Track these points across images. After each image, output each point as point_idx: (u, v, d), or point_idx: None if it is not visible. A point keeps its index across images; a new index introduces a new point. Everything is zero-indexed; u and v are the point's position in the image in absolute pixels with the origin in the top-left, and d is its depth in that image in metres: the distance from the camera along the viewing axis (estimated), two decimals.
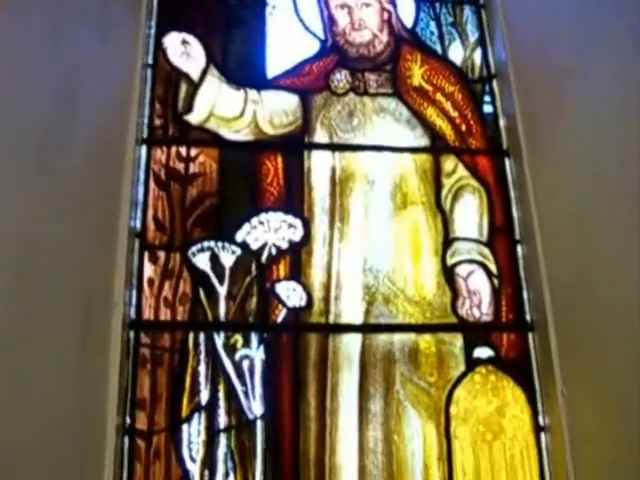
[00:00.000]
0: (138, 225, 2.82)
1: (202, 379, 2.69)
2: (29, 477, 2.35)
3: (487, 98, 3.22)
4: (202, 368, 2.70)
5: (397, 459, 2.67)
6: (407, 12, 3.35)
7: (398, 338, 2.79)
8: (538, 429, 2.73)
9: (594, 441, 2.59)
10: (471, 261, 2.91)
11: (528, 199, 2.93)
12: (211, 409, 2.67)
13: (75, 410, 2.45)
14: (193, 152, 2.95)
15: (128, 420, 2.63)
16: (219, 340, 2.73)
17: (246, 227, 2.84)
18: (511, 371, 2.79)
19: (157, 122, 2.99)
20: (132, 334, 2.70)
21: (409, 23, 3.33)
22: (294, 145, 3.03)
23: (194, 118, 3.00)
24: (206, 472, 2.62)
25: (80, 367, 2.49)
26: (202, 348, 2.72)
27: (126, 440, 2.61)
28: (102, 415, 2.51)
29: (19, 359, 2.46)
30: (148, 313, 2.75)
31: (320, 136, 3.06)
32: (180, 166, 2.92)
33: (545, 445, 2.71)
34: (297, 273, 2.84)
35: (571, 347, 2.70)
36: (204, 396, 2.68)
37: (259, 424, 2.67)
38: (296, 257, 2.86)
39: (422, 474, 2.67)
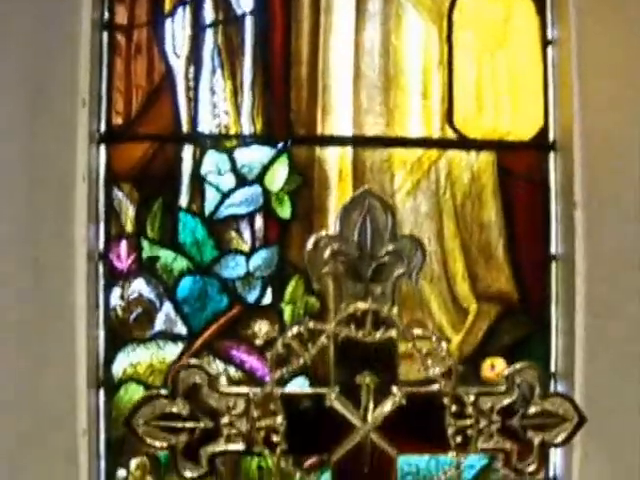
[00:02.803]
0: None
1: None
2: None
3: None
4: None
5: (394, 62, 2.50)
6: None
7: None
8: (545, 42, 2.55)
9: (601, 57, 2.42)
10: None
11: None
12: (196, 3, 2.47)
13: None
14: None
15: (107, 14, 2.44)
16: None
17: None
18: None
19: None
20: None
21: None
22: None
23: None
24: (191, 68, 2.47)
25: None
26: None
27: (105, 35, 2.44)
28: (77, 11, 2.33)
29: None
30: None
31: None
32: None
33: (552, 59, 2.54)
34: None
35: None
36: None
37: (248, 20, 2.48)
38: None
39: (420, 79, 2.51)
